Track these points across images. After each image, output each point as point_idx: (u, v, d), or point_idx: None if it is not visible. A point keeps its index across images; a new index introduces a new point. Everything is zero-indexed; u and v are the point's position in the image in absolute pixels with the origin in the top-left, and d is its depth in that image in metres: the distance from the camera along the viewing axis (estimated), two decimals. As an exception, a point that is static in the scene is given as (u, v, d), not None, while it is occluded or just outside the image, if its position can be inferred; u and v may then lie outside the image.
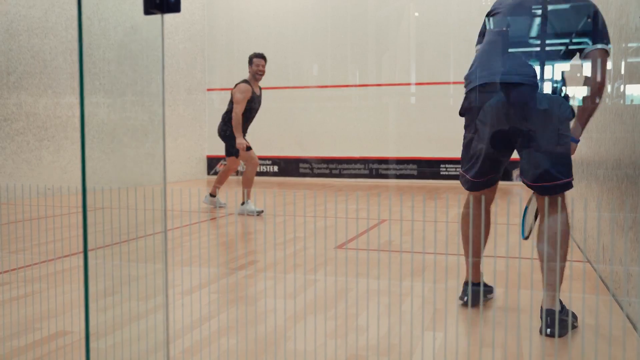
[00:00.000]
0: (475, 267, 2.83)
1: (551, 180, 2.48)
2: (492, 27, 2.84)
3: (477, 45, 2.97)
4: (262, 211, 6.06)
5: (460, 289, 2.94)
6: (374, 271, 3.55)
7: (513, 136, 2.56)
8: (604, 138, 3.43)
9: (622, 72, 2.98)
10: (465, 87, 2.76)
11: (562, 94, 2.53)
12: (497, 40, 2.76)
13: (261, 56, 6.23)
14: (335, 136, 10.35)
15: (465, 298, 2.83)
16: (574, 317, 2.55)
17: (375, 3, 10.28)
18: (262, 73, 6.21)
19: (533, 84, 2.48)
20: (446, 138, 9.77)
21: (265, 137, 9.80)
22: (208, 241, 2.94)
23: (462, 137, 2.77)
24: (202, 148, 11.12)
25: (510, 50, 2.64)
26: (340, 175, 10.38)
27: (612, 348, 2.31)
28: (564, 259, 2.49)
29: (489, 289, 2.92)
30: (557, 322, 2.36)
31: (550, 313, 2.44)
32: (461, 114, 2.76)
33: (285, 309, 2.75)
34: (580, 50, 2.56)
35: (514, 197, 7.41)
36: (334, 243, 4.43)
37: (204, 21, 11.02)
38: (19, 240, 4.46)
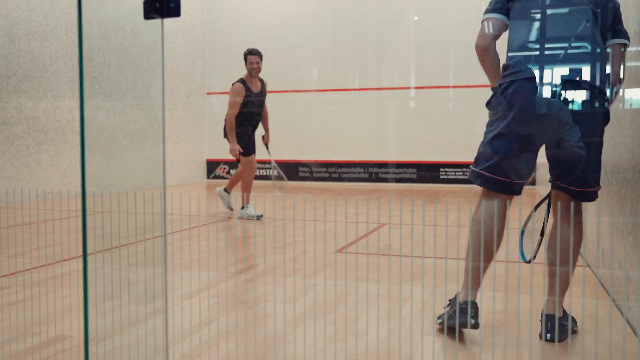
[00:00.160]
0: (478, 280, 2.52)
1: (594, 186, 2.44)
2: (547, 4, 2.49)
3: (493, 13, 2.59)
4: (262, 215, 6.05)
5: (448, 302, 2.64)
6: (373, 275, 3.55)
7: (560, 139, 2.38)
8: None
9: (622, 76, 2.98)
10: (509, 73, 2.45)
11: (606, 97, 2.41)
12: (556, 27, 2.47)
13: (255, 52, 6.11)
14: (335, 140, 10.35)
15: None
16: (574, 321, 2.55)
17: (375, 7, 10.29)
18: (258, 70, 6.10)
19: (600, 89, 2.36)
20: (446, 142, 9.78)
21: (264, 141, 9.80)
22: (208, 245, 2.94)
23: (487, 133, 2.49)
24: (201, 152, 11.12)
25: (574, 44, 2.42)
26: (339, 179, 10.38)
27: (612, 353, 2.31)
28: (574, 265, 2.50)
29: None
30: (557, 327, 2.36)
31: (551, 318, 2.43)
32: (492, 105, 2.50)
33: (284, 313, 2.74)
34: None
35: (513, 201, 7.39)
36: (333, 247, 4.43)
37: (203, 25, 11.03)
38: (18, 244, 4.46)
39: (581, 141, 2.33)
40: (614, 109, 3.11)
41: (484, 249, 2.45)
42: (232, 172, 10.97)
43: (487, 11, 2.59)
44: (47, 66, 7.73)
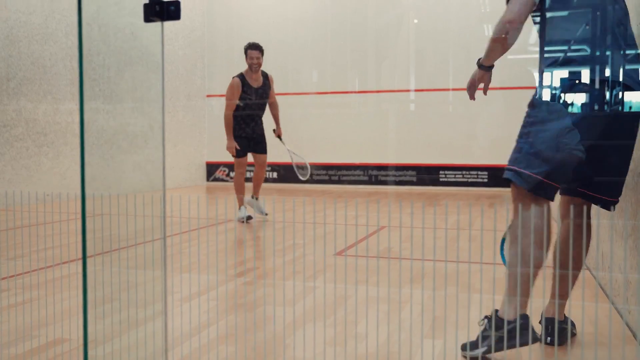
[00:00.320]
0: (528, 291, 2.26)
1: (620, 195, 2.42)
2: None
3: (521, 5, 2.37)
4: (251, 217, 6.02)
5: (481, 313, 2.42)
6: (373, 278, 3.54)
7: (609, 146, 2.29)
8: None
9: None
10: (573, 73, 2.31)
11: None
12: (619, 26, 2.31)
13: (255, 47, 5.98)
14: (335, 142, 10.36)
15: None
16: (572, 324, 2.55)
17: (375, 10, 10.31)
18: (258, 65, 5.97)
19: None
20: (445, 145, 9.79)
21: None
22: (207, 248, 2.94)
23: (539, 132, 2.26)
24: (201, 154, 11.13)
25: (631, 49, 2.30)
26: (339, 182, 10.38)
27: (612, 356, 2.31)
28: (579, 270, 2.48)
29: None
30: (557, 331, 2.36)
31: (551, 321, 2.43)
32: (563, 104, 2.30)
33: (284, 316, 2.74)
34: None
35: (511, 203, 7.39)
36: (333, 250, 4.42)
37: (203, 27, 11.04)
38: (17, 247, 4.45)
39: (616, 150, 2.30)
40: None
41: (533, 257, 2.22)
42: (232, 174, 10.97)
43: None
44: (47, 69, 7.74)
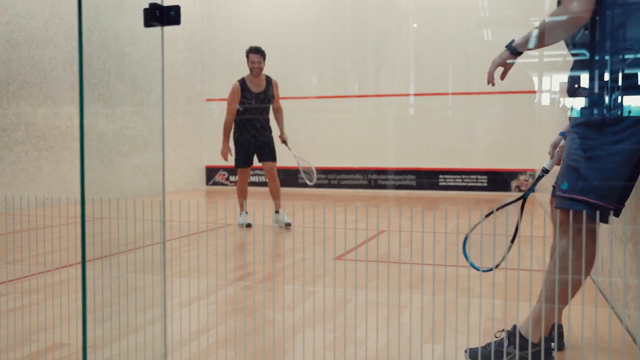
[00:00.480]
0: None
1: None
2: None
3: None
4: (250, 225, 5.97)
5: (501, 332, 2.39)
6: (372, 282, 3.54)
7: None
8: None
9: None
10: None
11: None
12: None
13: (256, 51, 5.89)
14: (334, 147, 10.36)
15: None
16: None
17: (374, 15, 10.33)
18: (259, 69, 5.88)
19: None
20: (445, 149, 9.79)
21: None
22: (207, 252, 2.94)
23: (604, 157, 2.05)
24: (201, 158, 11.13)
25: None
26: (339, 186, 10.38)
27: (612, 361, 2.31)
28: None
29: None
30: (557, 336, 2.36)
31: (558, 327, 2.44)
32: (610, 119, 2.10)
33: (283, 320, 2.74)
34: None
35: (511, 208, 7.39)
36: (332, 254, 4.42)
37: (203, 32, 11.06)
38: (16, 251, 4.45)
39: None
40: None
41: (577, 282, 2.14)
42: (232, 178, 10.97)
43: None
44: (47, 73, 7.74)
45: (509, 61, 2.32)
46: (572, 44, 2.28)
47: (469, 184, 9.77)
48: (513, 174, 9.52)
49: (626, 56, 2.09)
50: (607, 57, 2.12)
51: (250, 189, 6.40)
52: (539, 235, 4.56)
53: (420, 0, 10.18)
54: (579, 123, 2.13)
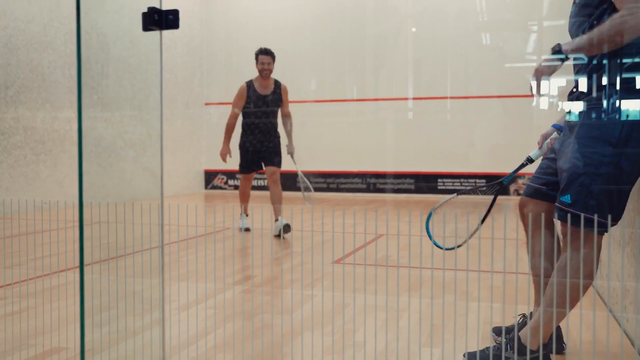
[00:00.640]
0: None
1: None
2: None
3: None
4: (249, 229, 5.94)
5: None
6: (371, 286, 3.54)
7: None
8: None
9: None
10: None
11: None
12: None
13: (266, 52, 5.75)
14: (333, 150, 10.37)
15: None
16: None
17: (373, 19, 10.35)
18: (269, 71, 5.72)
19: None
20: (443, 152, 9.80)
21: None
22: (205, 256, 2.94)
23: (616, 169, 2.03)
24: (199, 162, 11.13)
25: None
26: (337, 190, 10.38)
27: (611, 364, 2.31)
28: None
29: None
30: (555, 338, 2.36)
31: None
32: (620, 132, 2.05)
33: (282, 324, 2.73)
34: None
35: (510, 211, 7.41)
36: (331, 258, 4.42)
37: (202, 36, 11.07)
38: (14, 255, 4.44)
39: None
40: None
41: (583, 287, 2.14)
42: (230, 181, 10.97)
43: None
44: (46, 76, 7.75)
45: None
46: None
47: (468, 188, 9.78)
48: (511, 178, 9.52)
49: (624, 60, 2.09)
50: (604, 61, 2.12)
51: (252, 192, 6.38)
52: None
53: (419, 4, 10.20)
54: (584, 135, 2.11)
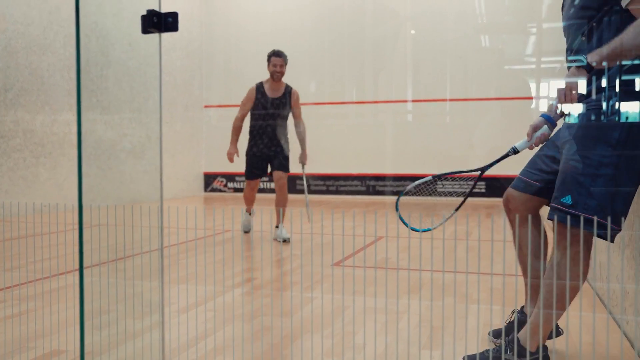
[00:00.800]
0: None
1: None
2: None
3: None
4: (248, 232, 5.95)
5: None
6: (371, 289, 3.54)
7: None
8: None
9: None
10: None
11: None
12: None
13: (278, 54, 5.68)
14: (332, 153, 10.37)
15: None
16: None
17: (372, 21, 10.36)
18: (281, 73, 5.66)
19: None
20: (443, 155, 9.80)
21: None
22: (205, 259, 2.93)
23: (615, 171, 2.04)
24: (199, 165, 11.13)
25: None
26: (337, 192, 10.38)
27: (610, 366, 2.30)
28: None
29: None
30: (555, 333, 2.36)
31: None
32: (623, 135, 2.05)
33: (282, 327, 2.73)
34: None
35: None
36: (330, 260, 4.42)
37: (201, 39, 11.08)
38: (14, 258, 4.44)
39: None
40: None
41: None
42: (230, 184, 10.97)
43: None
44: (45, 79, 7.75)
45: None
46: (569, 50, 2.28)
47: (467, 190, 9.78)
48: (511, 180, 9.52)
49: (624, 62, 2.09)
50: (604, 63, 2.10)
51: (259, 195, 6.35)
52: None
53: (418, 7, 10.22)
54: (583, 135, 2.12)
